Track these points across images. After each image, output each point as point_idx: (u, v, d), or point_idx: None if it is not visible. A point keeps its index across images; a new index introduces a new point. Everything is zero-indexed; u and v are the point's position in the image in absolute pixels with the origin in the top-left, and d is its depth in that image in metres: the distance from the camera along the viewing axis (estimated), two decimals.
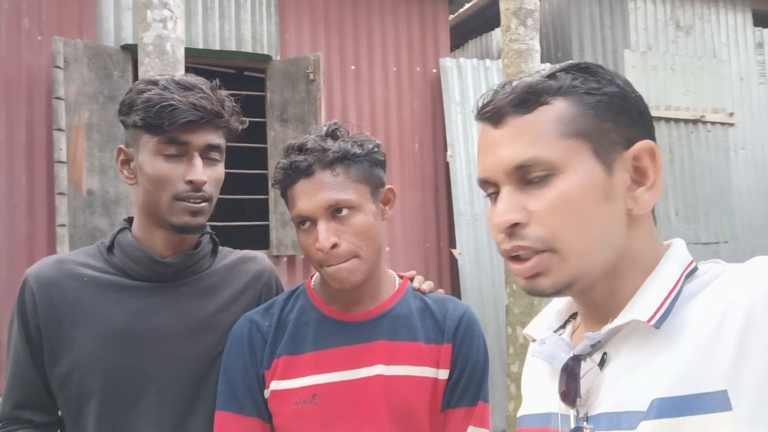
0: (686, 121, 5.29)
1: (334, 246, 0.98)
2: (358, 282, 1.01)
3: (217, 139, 1.08)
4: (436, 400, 1.05)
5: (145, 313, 1.08)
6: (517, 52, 2.89)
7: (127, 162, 1.11)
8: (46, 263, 1.11)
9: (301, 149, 1.02)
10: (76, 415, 1.06)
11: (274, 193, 4.02)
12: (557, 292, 0.64)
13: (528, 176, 0.63)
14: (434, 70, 4.57)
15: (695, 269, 0.65)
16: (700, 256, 5.29)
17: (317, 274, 1.14)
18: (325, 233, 0.97)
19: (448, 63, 4.50)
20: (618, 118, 0.63)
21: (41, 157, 3.51)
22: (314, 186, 0.99)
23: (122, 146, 1.12)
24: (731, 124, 5.46)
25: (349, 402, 1.02)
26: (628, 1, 5.23)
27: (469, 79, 4.50)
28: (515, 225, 0.63)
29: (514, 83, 0.65)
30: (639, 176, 0.64)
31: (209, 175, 1.06)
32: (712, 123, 5.38)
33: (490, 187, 0.67)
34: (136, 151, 1.08)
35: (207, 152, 1.07)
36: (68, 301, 1.07)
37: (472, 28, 6.37)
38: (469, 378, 1.06)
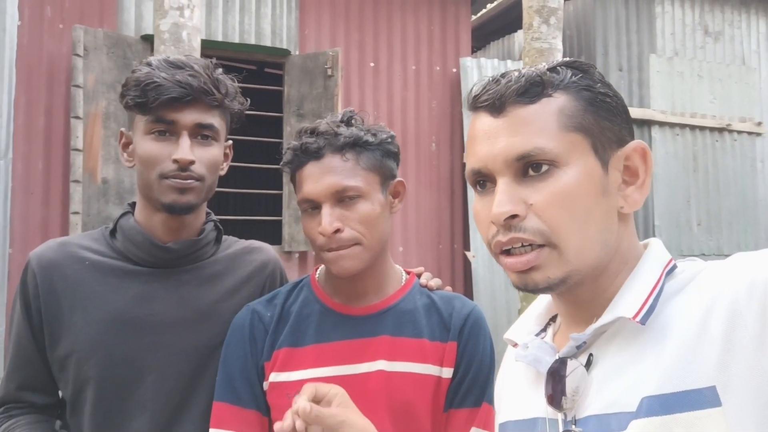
0: (712, 129, 5.17)
1: (337, 231, 0.96)
2: (358, 270, 0.99)
3: (209, 118, 1.05)
4: (439, 399, 1.02)
5: (145, 299, 1.06)
6: (539, 50, 2.82)
7: (127, 145, 1.10)
8: (48, 246, 1.10)
9: (313, 132, 1.01)
10: (74, 399, 1.05)
11: (288, 189, 4.00)
12: (549, 288, 0.63)
13: (527, 168, 0.62)
14: (454, 70, 4.52)
15: (674, 267, 0.65)
16: None
17: (323, 266, 1.12)
18: (328, 218, 0.96)
19: (468, 63, 4.44)
20: (612, 117, 0.64)
21: (58, 145, 3.53)
22: (322, 169, 0.98)
23: (123, 129, 1.11)
24: (759, 134, 5.32)
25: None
26: (655, 5, 5.13)
27: None
28: (513, 217, 0.62)
29: (515, 74, 0.65)
30: (629, 175, 0.64)
31: (200, 155, 1.03)
32: (739, 132, 5.25)
33: (482, 178, 0.66)
34: (133, 133, 1.07)
35: (197, 131, 1.04)
36: (69, 284, 1.06)
37: (494, 30, 6.31)
38: (473, 378, 1.03)
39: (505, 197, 0.62)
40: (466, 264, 4.38)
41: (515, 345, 0.74)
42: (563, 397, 0.63)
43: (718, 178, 5.15)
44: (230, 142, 1.16)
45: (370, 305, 1.05)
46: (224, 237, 1.19)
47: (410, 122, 4.40)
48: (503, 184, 0.62)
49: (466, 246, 4.38)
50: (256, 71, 5.06)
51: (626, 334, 0.62)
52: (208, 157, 1.05)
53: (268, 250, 1.23)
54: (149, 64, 1.04)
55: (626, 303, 0.62)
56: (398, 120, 4.36)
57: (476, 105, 0.66)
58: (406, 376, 1.00)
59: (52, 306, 1.05)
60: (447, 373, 1.03)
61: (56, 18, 3.59)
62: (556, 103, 0.63)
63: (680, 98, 5.08)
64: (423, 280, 1.13)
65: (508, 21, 5.92)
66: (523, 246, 0.62)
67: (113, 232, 1.12)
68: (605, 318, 0.62)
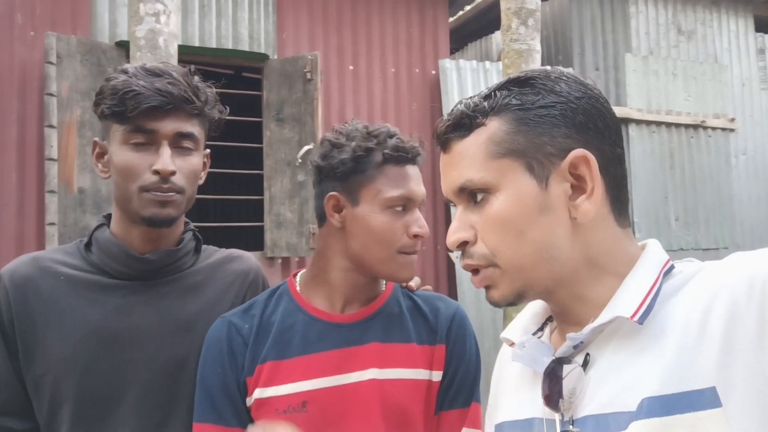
0: (687, 126, 5.25)
1: (426, 234, 1.02)
2: (411, 276, 1.05)
3: (189, 127, 1.02)
4: (430, 402, 1.02)
5: (123, 313, 1.03)
6: (518, 52, 2.84)
7: (102, 155, 1.06)
8: (21, 261, 1.06)
9: (401, 140, 1.06)
10: (50, 420, 1.01)
11: (269, 194, 3.97)
12: (510, 303, 0.67)
13: (474, 196, 0.66)
14: (433, 72, 4.52)
15: (672, 267, 0.65)
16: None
17: (302, 273, 1.10)
18: (423, 221, 1.02)
19: (447, 64, 4.45)
20: (554, 130, 0.64)
21: (32, 155, 3.45)
22: (418, 175, 1.04)
23: (97, 139, 1.07)
24: (732, 130, 5.43)
25: (341, 408, 0.97)
26: (629, 5, 5.20)
27: (468, 80, 4.46)
28: (465, 243, 0.67)
29: (456, 107, 0.68)
30: (581, 184, 0.64)
31: (180, 165, 1.01)
32: (713, 128, 5.35)
33: (453, 204, 0.72)
34: (108, 143, 1.04)
35: (177, 141, 1.01)
36: (43, 300, 1.02)
37: (472, 32, 6.34)
38: (462, 379, 1.03)
39: (456, 225, 0.68)
40: (450, 265, 4.39)
41: (511, 344, 0.73)
42: (560, 398, 0.63)
43: (694, 175, 5.23)
44: (208, 150, 1.13)
45: (356, 312, 1.03)
46: (204, 246, 1.17)
47: (391, 125, 4.38)
48: (458, 212, 0.69)
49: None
50: (235, 75, 5.01)
51: (624, 333, 0.62)
52: (188, 168, 1.03)
53: (249, 258, 1.21)
54: (125, 72, 1.01)
55: (624, 303, 0.62)
56: (379, 122, 4.35)
57: (435, 142, 0.72)
58: (399, 383, 0.99)
59: (26, 323, 1.01)
60: (437, 376, 1.02)
61: (27, 25, 3.51)
62: (487, 132, 0.65)
63: (656, 96, 5.15)
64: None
65: (486, 22, 5.95)
66: (478, 266, 0.67)
67: (88, 245, 1.08)
68: (603, 317, 0.62)
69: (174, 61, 2.34)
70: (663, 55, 5.29)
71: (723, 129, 5.39)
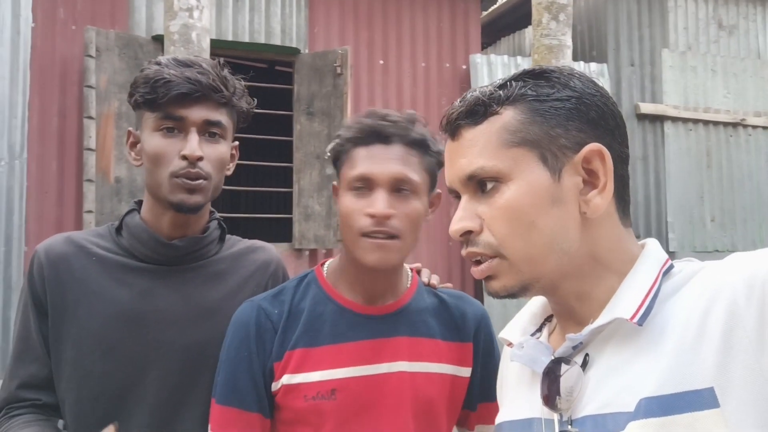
0: (726, 124, 5.10)
1: (388, 217, 0.94)
2: (392, 265, 0.98)
3: (217, 115, 1.05)
4: (454, 397, 1.04)
5: (149, 296, 1.07)
6: (548, 47, 2.81)
7: (135, 144, 1.10)
8: (56, 239, 1.11)
9: (384, 118, 1.00)
10: (75, 394, 1.05)
11: (298, 187, 4.02)
12: (510, 295, 0.66)
13: (482, 185, 0.65)
14: (464, 66, 4.50)
15: (671, 267, 0.65)
16: None
17: (329, 262, 1.10)
18: (383, 202, 0.94)
19: (478, 59, 4.42)
20: (568, 123, 0.64)
21: (72, 145, 3.57)
22: (389, 154, 0.97)
23: (131, 129, 1.12)
24: None
25: (370, 397, 0.98)
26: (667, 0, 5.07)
27: (499, 75, 4.42)
28: (469, 232, 0.66)
29: (469, 95, 0.68)
30: (592, 179, 0.64)
31: (208, 152, 1.04)
32: (754, 127, 5.18)
33: (454, 192, 0.70)
34: (141, 131, 1.08)
35: (206, 128, 1.04)
36: (75, 278, 1.06)
37: (505, 26, 6.27)
38: (492, 375, 1.05)
39: (461, 214, 0.66)
40: None
41: (510, 344, 0.74)
42: (558, 397, 0.63)
43: (732, 174, 5.08)
44: (237, 143, 1.16)
45: (385, 305, 1.04)
46: (228, 236, 1.20)
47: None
48: (462, 202, 0.67)
49: None
50: (267, 69, 5.08)
51: (623, 334, 0.62)
52: (216, 155, 1.05)
53: (271, 249, 1.23)
54: (158, 63, 1.05)
55: (624, 304, 0.61)
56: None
57: (441, 130, 0.70)
58: (428, 376, 1.02)
59: (58, 299, 1.05)
60: (465, 372, 1.05)
61: (68, 19, 3.63)
62: (502, 120, 0.64)
63: (693, 93, 5.01)
64: (424, 278, 1.13)
65: (520, 16, 5.87)
66: (481, 257, 0.66)
67: (119, 229, 1.12)
68: (602, 319, 0.62)
69: (206, 55, 2.39)
70: (702, 50, 5.14)
71: (764, 127, 5.21)
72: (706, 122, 5.03)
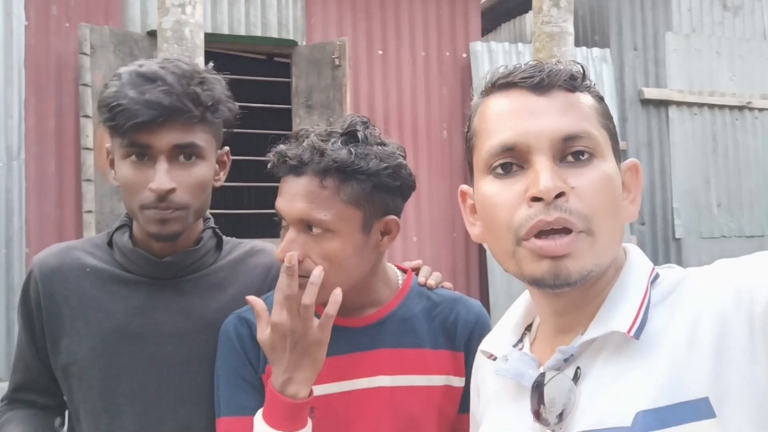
0: (731, 107, 5.02)
1: (298, 261, 0.86)
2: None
3: (189, 137, 0.96)
4: (444, 407, 0.99)
5: (146, 310, 1.04)
6: (549, 35, 2.75)
7: (113, 162, 1.03)
8: (51, 252, 1.09)
9: (299, 140, 0.92)
10: (82, 407, 1.05)
11: None
12: (578, 281, 0.59)
13: (567, 152, 0.61)
14: (464, 55, 4.43)
15: (657, 276, 0.65)
16: (743, 249, 5.09)
17: None
18: (287, 244, 0.87)
19: (478, 47, 4.36)
20: (614, 136, 0.66)
21: (69, 144, 3.54)
22: (296, 190, 0.88)
23: (108, 146, 1.04)
24: None
25: (348, 415, 0.95)
26: None
27: (500, 63, 4.34)
28: (560, 195, 0.59)
29: (550, 63, 0.66)
30: (624, 190, 0.66)
31: (182, 179, 0.96)
32: (760, 110, 5.10)
33: (509, 157, 0.62)
34: (113, 154, 1.01)
35: (176, 153, 0.96)
36: (70, 291, 1.04)
37: (506, 11, 6.18)
38: None
39: (550, 174, 0.59)
40: (482, 252, 4.34)
41: (491, 356, 0.71)
42: (542, 406, 0.61)
43: (738, 158, 5.02)
44: (226, 148, 1.12)
45: (366, 316, 1.00)
46: (225, 239, 1.17)
47: (421, 110, 4.34)
48: (547, 161, 0.60)
49: None
50: (265, 61, 5.02)
51: (614, 346, 0.61)
52: (192, 180, 0.98)
53: (270, 252, 1.20)
54: (120, 78, 0.95)
55: (619, 316, 0.60)
56: (408, 108, 4.30)
57: (512, 81, 0.64)
58: (412, 390, 0.97)
59: (53, 314, 1.04)
60: (458, 382, 1.00)
61: (62, 17, 3.58)
62: (589, 99, 0.65)
63: (698, 76, 4.93)
64: (421, 278, 1.07)
65: (521, 1, 5.79)
66: (556, 231, 0.59)
67: (110, 244, 1.10)
68: (597, 331, 0.61)
69: (200, 51, 2.35)
70: (706, 32, 5.05)
71: None
72: (711, 106, 4.96)
